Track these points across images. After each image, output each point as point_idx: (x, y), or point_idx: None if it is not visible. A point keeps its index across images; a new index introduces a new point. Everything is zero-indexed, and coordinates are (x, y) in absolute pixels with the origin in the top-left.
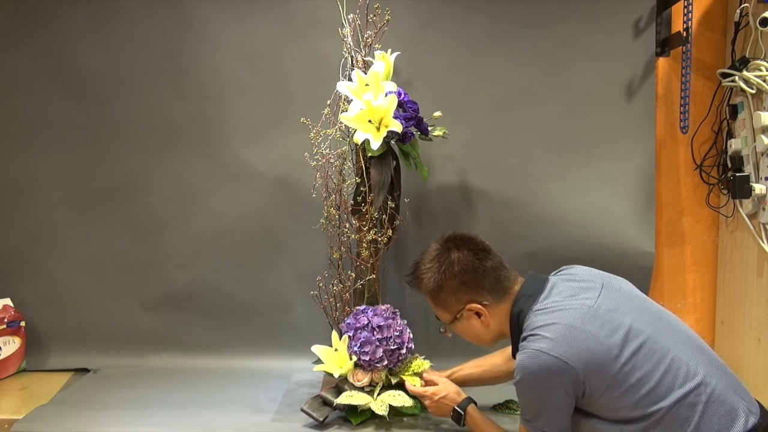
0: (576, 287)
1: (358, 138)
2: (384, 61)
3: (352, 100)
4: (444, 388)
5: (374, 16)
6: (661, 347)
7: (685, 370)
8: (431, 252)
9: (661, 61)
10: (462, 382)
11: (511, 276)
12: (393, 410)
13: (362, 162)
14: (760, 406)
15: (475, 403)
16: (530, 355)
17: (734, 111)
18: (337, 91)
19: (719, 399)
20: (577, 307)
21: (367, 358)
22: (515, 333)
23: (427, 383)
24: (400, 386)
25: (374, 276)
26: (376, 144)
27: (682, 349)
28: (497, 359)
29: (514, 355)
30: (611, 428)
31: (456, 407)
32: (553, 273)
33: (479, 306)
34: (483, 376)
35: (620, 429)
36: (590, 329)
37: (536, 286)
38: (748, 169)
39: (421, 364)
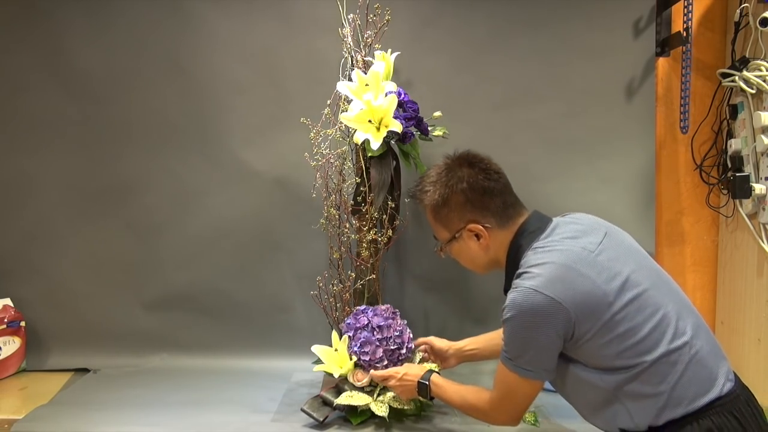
0: (578, 230)
1: (358, 138)
2: (384, 61)
3: (352, 100)
4: (405, 366)
5: (374, 16)
6: (655, 302)
7: (674, 328)
8: (440, 166)
9: (661, 61)
10: (467, 358)
11: (517, 205)
12: (393, 410)
13: (362, 162)
14: (736, 376)
15: (438, 373)
16: (523, 293)
17: (734, 111)
18: (337, 91)
19: (701, 362)
20: (577, 250)
21: (367, 358)
22: (510, 268)
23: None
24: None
25: (374, 276)
26: (376, 144)
27: (674, 308)
28: (496, 336)
29: (505, 291)
30: (590, 375)
31: (419, 380)
32: (558, 216)
33: (480, 227)
34: (485, 352)
35: (599, 377)
36: (588, 272)
37: (539, 224)
38: (748, 169)
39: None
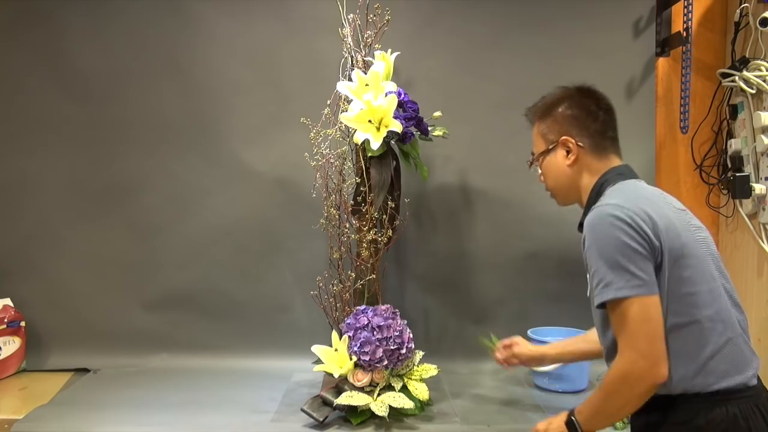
0: (666, 195)
1: (358, 138)
2: (384, 61)
3: (352, 100)
4: (546, 422)
5: (374, 16)
6: (712, 275)
7: (726, 302)
8: (558, 87)
9: (661, 61)
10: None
11: (615, 144)
12: (393, 410)
13: (362, 162)
14: (759, 378)
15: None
16: (598, 212)
17: (734, 111)
18: (337, 91)
19: (739, 346)
20: (663, 203)
21: (367, 358)
22: (591, 202)
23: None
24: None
25: (374, 276)
26: (376, 144)
27: (727, 290)
28: (580, 342)
29: (580, 227)
30: None
31: (565, 424)
32: None
33: (573, 142)
34: (571, 354)
35: None
36: (667, 213)
37: (630, 173)
38: (748, 169)
39: (427, 368)
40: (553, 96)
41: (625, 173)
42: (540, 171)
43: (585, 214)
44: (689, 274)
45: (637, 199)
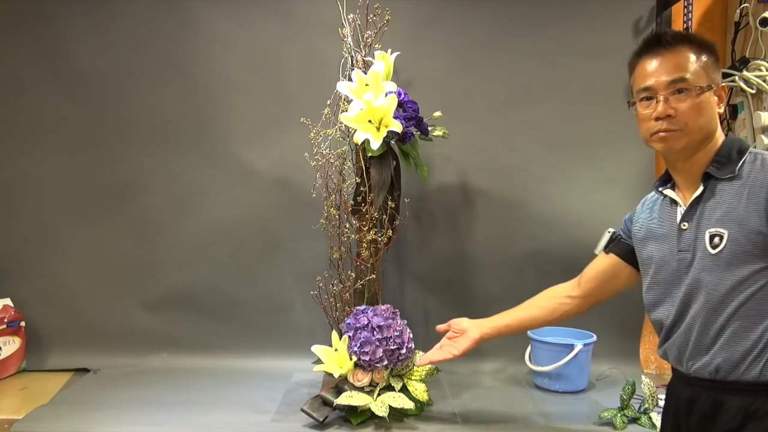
0: None
1: (358, 138)
2: (384, 61)
3: (352, 100)
4: None
5: (374, 16)
6: None
7: None
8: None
9: None
10: (497, 334)
11: None
12: (393, 410)
13: (362, 162)
14: None
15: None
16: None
17: (734, 111)
18: (337, 91)
19: None
20: None
21: (367, 358)
22: (725, 151)
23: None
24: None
25: (374, 276)
26: (376, 144)
27: None
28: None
29: (707, 177)
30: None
31: None
32: None
33: (724, 91)
34: (523, 321)
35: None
36: None
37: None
38: None
39: (427, 369)
40: (703, 39)
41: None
42: (692, 103)
43: (724, 165)
44: None
45: None
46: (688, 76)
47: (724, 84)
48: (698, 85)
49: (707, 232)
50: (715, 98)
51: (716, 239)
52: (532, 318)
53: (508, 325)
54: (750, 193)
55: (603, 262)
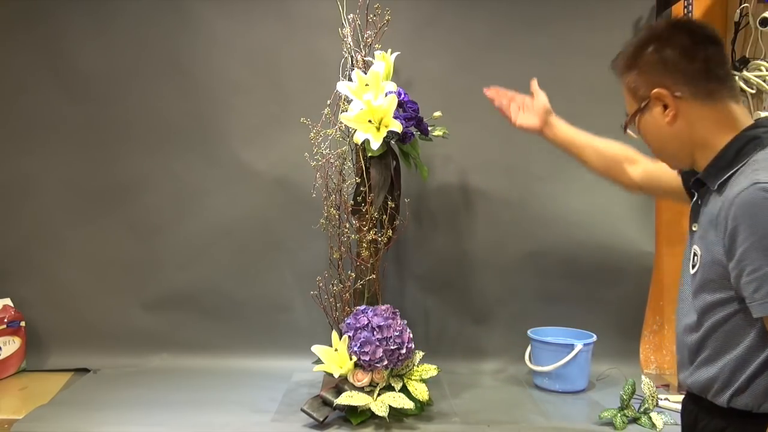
0: None
1: (358, 138)
2: (384, 61)
3: (352, 100)
4: None
5: (374, 16)
6: None
7: None
8: (646, 26)
9: None
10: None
11: (726, 86)
12: (393, 410)
13: (362, 162)
14: None
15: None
16: (762, 194)
17: None
18: (337, 91)
19: None
20: None
21: (367, 358)
22: (725, 162)
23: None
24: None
25: (374, 276)
26: (376, 144)
27: None
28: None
29: (689, 190)
30: None
31: None
32: None
33: (668, 94)
34: (583, 147)
35: None
36: None
37: None
38: None
39: (427, 369)
40: (638, 39)
41: None
42: (639, 134)
43: (713, 173)
44: None
45: None
46: (627, 108)
47: (657, 90)
48: (629, 116)
49: (694, 246)
50: (657, 108)
51: (695, 258)
52: (588, 156)
53: (572, 138)
54: (720, 218)
55: (676, 180)
